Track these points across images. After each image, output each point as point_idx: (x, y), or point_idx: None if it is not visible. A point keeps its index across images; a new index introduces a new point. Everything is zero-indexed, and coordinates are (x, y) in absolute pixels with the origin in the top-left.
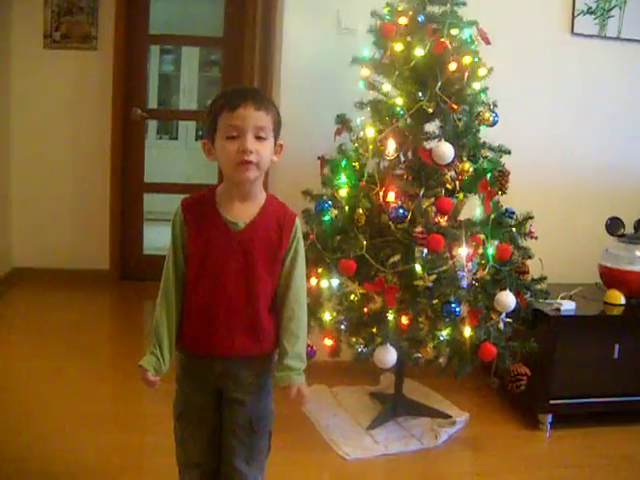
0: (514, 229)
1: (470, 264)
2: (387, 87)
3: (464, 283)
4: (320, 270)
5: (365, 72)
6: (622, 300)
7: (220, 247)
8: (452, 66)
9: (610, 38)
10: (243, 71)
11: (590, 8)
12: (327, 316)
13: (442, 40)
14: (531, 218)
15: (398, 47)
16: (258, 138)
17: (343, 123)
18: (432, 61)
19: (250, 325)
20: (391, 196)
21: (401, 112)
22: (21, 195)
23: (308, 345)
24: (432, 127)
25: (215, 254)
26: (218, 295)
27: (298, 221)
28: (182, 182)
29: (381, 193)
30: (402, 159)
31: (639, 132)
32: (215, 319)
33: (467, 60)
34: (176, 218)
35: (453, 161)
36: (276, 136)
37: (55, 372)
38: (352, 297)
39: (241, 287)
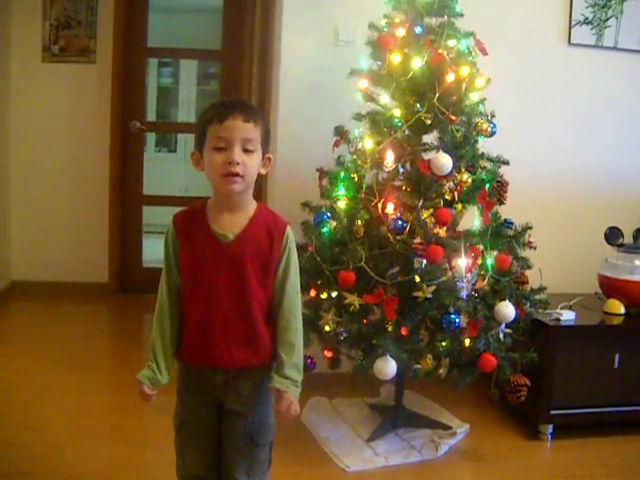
0: (513, 239)
1: (469, 275)
2: (385, 99)
3: (463, 294)
4: (319, 282)
5: (363, 84)
6: (622, 310)
7: (211, 260)
8: (450, 77)
9: (607, 48)
10: (241, 84)
11: (587, 18)
12: (326, 328)
13: (439, 51)
14: (530, 228)
15: (396, 59)
16: (246, 151)
17: (341, 135)
18: (430, 72)
19: (247, 336)
20: (390, 207)
21: (399, 123)
22: (20, 208)
23: (308, 357)
24: (430, 138)
25: (207, 267)
26: (213, 308)
27: (290, 230)
28: (181, 195)
29: (380, 205)
30: (400, 170)
31: (637, 142)
32: (212, 332)
33: (465, 71)
34: (168, 233)
35: (452, 172)
36: (264, 149)
37: (54, 385)
38: (351, 309)
39: (235, 299)
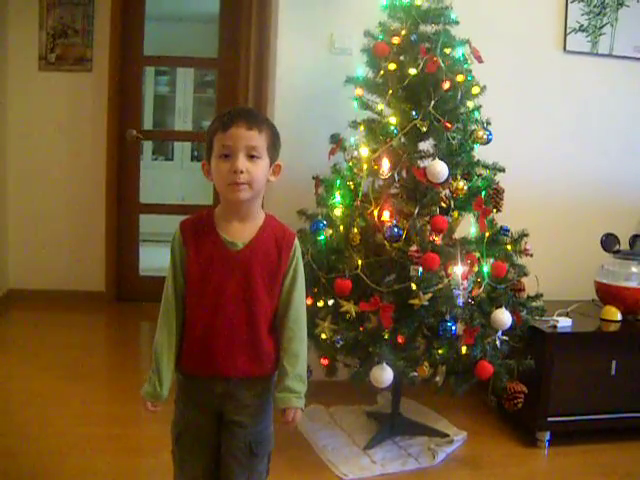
0: (509, 247)
1: (465, 282)
2: (381, 106)
3: (460, 301)
4: (315, 290)
5: (359, 91)
6: (618, 316)
7: (220, 268)
8: (445, 85)
9: (602, 55)
10: (238, 92)
11: (582, 26)
12: (323, 336)
13: (435, 59)
14: (526, 235)
15: (391, 66)
16: (251, 157)
17: (337, 143)
18: (425, 80)
19: (251, 346)
20: (386, 215)
21: (395, 131)
22: (17, 216)
23: None
24: (426, 146)
25: (215, 275)
26: (218, 316)
27: (297, 241)
28: (178, 203)
29: (376, 212)
30: (396, 178)
31: (632, 148)
32: (216, 340)
33: (460, 78)
34: (175, 240)
35: (447, 179)
36: (272, 156)
37: (51, 394)
38: (347, 316)
39: (241, 308)
